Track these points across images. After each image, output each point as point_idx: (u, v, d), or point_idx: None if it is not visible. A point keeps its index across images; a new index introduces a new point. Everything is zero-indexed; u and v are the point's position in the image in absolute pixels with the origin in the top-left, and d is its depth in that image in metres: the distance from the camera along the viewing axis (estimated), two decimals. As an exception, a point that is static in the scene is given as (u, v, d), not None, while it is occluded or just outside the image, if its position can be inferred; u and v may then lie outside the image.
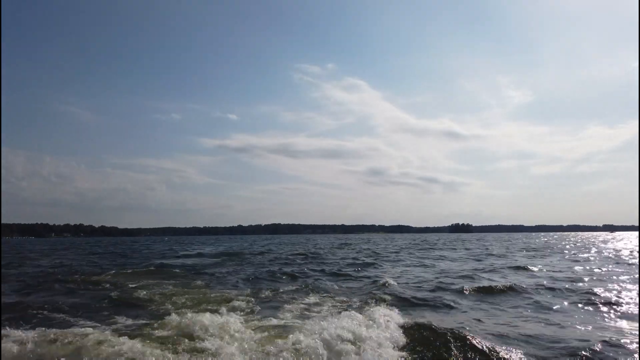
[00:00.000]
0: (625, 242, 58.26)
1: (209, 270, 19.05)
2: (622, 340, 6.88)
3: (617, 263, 21.93)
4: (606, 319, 8.80)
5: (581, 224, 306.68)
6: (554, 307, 10.05)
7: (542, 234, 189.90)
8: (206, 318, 7.37)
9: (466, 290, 12.31)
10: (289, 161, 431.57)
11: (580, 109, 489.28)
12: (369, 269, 19.83)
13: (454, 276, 16.16)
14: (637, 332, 7.26)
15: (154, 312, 9.45)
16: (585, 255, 28.71)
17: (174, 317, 7.80)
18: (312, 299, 11.13)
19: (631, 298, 10.99)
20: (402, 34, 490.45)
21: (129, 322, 8.47)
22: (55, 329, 7.27)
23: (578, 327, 8.10)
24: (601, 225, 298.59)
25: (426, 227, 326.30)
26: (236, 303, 10.16)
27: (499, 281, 14.26)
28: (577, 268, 19.32)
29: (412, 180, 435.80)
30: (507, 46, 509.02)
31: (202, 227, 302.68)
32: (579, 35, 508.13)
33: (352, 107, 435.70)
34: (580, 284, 13.64)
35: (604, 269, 18.55)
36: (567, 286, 13.14)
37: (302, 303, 10.46)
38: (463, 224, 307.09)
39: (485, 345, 6.32)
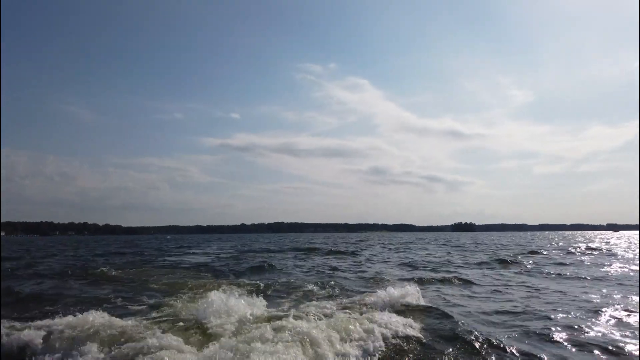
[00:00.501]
0: (614, 240, 58.16)
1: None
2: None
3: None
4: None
5: (584, 223, 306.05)
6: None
7: (545, 232, 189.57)
8: None
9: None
10: (291, 160, 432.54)
11: (582, 108, 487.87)
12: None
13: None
14: (637, 331, 7.33)
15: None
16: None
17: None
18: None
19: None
20: (404, 34, 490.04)
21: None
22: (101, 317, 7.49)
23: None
24: (605, 224, 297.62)
25: (429, 226, 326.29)
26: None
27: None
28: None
29: (415, 179, 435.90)
30: (508, 46, 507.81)
31: (205, 225, 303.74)
32: (580, 35, 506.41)
33: (354, 107, 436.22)
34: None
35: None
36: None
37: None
38: (466, 223, 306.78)
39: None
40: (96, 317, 6.92)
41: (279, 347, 5.39)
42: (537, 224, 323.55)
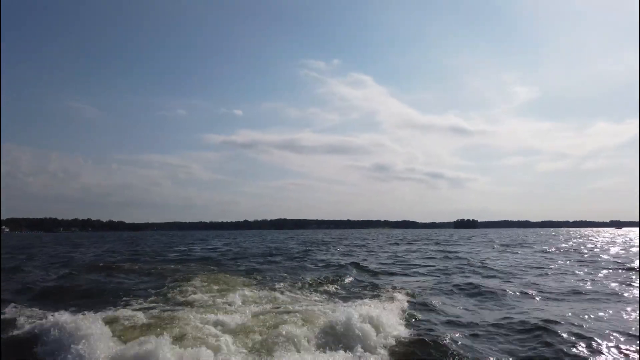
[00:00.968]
0: (608, 237, 58.06)
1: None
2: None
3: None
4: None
5: (588, 220, 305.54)
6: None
7: (544, 229, 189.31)
8: None
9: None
10: (294, 157, 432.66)
11: (586, 105, 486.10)
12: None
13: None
14: (637, 330, 7.38)
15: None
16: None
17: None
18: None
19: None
20: (408, 30, 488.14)
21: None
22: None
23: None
24: (608, 221, 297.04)
25: (432, 223, 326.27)
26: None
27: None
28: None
29: (418, 176, 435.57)
30: (512, 42, 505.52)
31: (208, 222, 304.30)
32: (585, 32, 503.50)
33: (357, 103, 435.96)
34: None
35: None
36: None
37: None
38: (468, 220, 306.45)
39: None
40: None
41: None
42: (539, 220, 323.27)
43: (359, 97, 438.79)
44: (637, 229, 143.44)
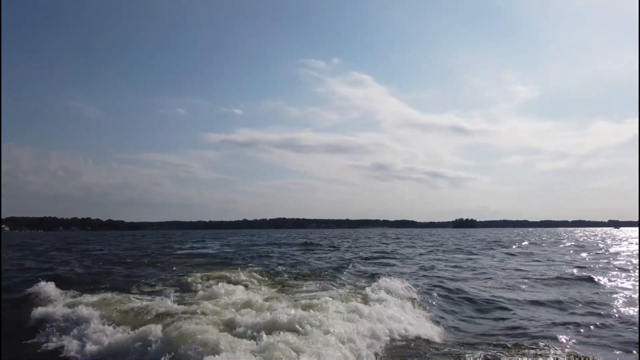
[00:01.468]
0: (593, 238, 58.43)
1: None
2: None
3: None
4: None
5: (586, 219, 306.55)
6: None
7: (543, 229, 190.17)
8: None
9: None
10: (294, 156, 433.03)
11: (587, 104, 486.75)
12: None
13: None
14: (637, 327, 7.70)
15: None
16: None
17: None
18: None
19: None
20: (408, 29, 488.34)
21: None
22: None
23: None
24: (606, 220, 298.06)
25: (430, 222, 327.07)
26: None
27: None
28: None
29: (418, 175, 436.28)
30: (513, 41, 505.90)
31: (207, 221, 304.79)
32: (586, 31, 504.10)
33: (357, 102, 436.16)
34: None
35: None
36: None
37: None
38: (467, 219, 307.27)
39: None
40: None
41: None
42: (538, 220, 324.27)
43: (359, 97, 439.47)
44: (636, 228, 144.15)
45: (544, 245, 38.30)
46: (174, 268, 16.81)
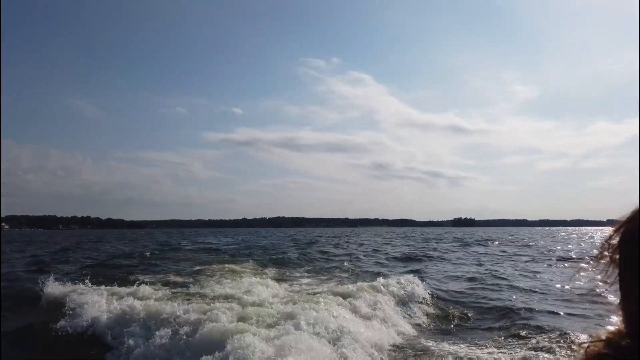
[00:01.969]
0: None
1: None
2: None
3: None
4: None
5: (585, 218, 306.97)
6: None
7: (545, 228, 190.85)
8: None
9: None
10: (293, 155, 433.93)
11: (587, 104, 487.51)
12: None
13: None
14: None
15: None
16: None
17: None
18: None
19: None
20: (408, 29, 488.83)
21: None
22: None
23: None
24: (605, 220, 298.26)
25: (429, 221, 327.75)
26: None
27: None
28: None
29: (417, 174, 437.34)
30: (512, 41, 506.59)
31: (207, 220, 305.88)
32: (586, 31, 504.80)
33: (356, 102, 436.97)
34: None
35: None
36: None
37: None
38: (466, 219, 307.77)
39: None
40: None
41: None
42: (537, 219, 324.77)
43: (358, 96, 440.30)
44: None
45: (507, 244, 38.22)
46: (187, 262, 17.71)
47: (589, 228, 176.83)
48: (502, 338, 7.15)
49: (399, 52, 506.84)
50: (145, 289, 9.23)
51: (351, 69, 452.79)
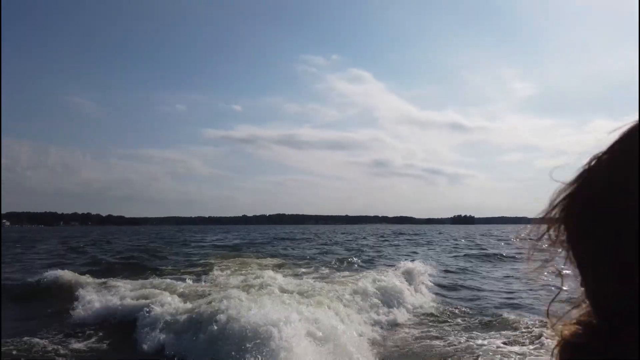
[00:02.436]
0: None
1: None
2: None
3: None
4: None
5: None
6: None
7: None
8: None
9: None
10: (293, 152, 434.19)
11: (586, 102, 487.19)
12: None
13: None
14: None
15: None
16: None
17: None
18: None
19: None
20: (408, 26, 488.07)
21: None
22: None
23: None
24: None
25: (429, 219, 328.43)
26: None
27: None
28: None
29: (416, 172, 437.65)
30: (512, 39, 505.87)
31: (207, 217, 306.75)
32: (585, 30, 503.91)
33: (356, 99, 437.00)
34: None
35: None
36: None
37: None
38: (465, 216, 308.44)
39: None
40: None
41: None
42: (537, 217, 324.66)
43: (358, 93, 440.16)
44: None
45: (483, 238, 39.77)
46: (196, 257, 18.73)
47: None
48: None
49: (398, 49, 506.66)
50: (189, 285, 9.76)
51: (351, 66, 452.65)
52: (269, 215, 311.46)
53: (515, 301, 9.70)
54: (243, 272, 12.03)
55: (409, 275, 10.95)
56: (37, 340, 6.28)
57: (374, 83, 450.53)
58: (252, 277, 10.25)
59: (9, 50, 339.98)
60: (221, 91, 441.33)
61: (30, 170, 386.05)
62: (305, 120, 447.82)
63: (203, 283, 10.25)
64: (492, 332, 6.92)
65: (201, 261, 16.07)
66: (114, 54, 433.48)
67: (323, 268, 13.61)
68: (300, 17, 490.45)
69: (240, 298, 6.88)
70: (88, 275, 10.96)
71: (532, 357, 5.64)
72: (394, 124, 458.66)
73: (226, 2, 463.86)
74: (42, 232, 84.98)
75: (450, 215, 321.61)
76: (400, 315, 8.17)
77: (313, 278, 10.91)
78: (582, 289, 0.46)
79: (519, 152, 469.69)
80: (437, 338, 6.80)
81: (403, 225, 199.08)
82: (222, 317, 5.83)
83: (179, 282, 9.60)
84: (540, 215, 0.55)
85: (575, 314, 0.48)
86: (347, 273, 12.11)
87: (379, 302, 8.44)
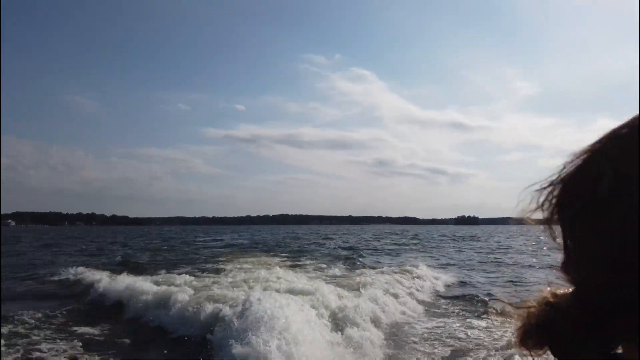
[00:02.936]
0: None
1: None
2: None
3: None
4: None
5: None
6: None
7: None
8: None
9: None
10: (295, 152, 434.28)
11: (588, 101, 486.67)
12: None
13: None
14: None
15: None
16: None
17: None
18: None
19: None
20: (409, 25, 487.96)
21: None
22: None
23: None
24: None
25: (433, 219, 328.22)
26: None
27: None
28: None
29: (418, 171, 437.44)
30: (513, 38, 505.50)
31: (210, 217, 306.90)
32: (587, 29, 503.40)
33: (357, 98, 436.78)
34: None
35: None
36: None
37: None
38: (469, 217, 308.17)
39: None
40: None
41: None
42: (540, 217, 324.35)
43: (359, 92, 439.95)
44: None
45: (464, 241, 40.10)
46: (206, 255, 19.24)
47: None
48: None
49: (400, 48, 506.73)
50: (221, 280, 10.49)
51: (353, 65, 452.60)
52: (273, 215, 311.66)
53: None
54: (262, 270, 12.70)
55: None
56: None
57: (375, 82, 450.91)
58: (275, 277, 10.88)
59: (11, 50, 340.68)
60: (223, 90, 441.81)
61: (32, 169, 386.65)
62: (307, 119, 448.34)
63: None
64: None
65: (226, 260, 16.32)
66: (116, 54, 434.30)
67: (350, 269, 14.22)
68: (302, 17, 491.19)
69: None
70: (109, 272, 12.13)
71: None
72: (395, 124, 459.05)
73: (228, 1, 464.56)
74: (49, 231, 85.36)
75: (453, 215, 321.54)
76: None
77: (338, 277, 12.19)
78: (564, 276, 0.45)
79: (520, 152, 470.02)
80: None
81: (408, 226, 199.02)
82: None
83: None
84: (534, 210, 0.52)
85: (539, 297, 0.48)
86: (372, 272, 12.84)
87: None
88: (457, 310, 8.89)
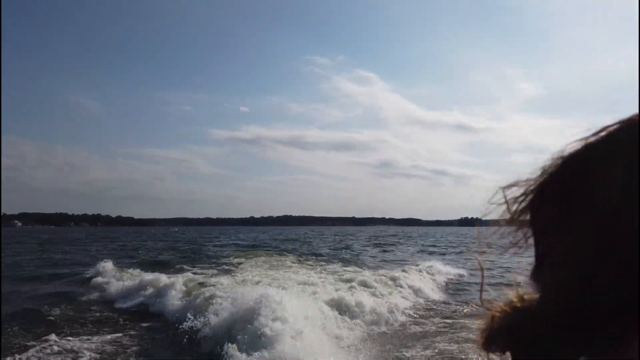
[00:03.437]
0: None
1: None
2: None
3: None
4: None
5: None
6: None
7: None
8: None
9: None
10: (299, 153, 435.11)
11: (592, 102, 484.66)
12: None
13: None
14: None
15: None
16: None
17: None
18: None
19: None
20: (412, 27, 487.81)
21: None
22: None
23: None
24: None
25: (436, 221, 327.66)
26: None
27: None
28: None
29: (422, 172, 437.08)
30: (517, 39, 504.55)
31: (214, 218, 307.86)
32: (592, 28, 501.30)
33: (361, 99, 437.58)
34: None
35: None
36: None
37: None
38: (473, 218, 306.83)
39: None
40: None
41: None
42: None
43: (363, 94, 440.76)
44: None
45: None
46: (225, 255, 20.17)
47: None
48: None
49: (403, 50, 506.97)
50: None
51: (356, 66, 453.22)
52: (276, 216, 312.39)
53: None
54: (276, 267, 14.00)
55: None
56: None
57: (379, 84, 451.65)
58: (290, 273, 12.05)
59: (13, 50, 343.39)
60: (227, 92, 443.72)
61: (37, 170, 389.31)
62: (311, 121, 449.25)
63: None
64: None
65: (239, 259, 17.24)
66: (118, 55, 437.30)
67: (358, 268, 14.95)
68: (306, 18, 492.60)
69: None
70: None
71: None
72: (399, 125, 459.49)
73: (232, 2, 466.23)
74: (55, 232, 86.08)
75: (457, 216, 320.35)
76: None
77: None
78: (532, 281, 0.42)
79: (524, 153, 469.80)
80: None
81: (411, 228, 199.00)
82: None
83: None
84: (510, 213, 0.48)
85: (504, 300, 0.45)
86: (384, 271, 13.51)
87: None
88: (458, 309, 9.27)
